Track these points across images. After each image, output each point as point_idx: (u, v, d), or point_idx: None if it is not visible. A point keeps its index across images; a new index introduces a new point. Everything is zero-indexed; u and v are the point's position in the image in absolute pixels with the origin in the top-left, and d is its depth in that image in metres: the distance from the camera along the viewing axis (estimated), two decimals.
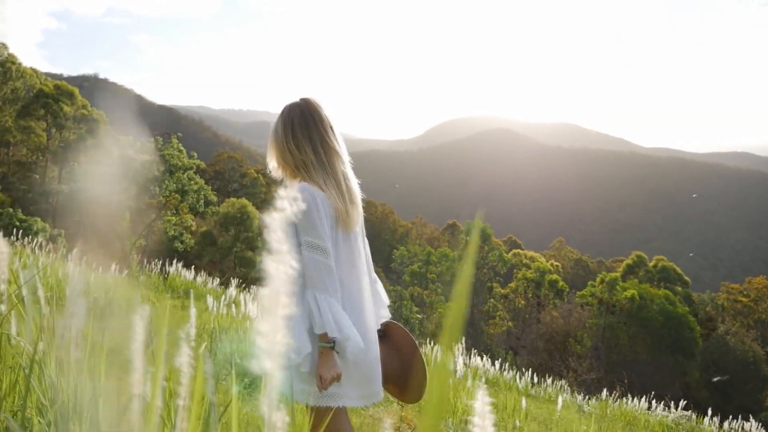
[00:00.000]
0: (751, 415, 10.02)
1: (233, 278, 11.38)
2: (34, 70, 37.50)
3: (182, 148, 21.75)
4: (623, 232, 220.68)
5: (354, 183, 1.90)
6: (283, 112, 1.87)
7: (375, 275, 2.03)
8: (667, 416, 8.98)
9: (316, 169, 1.79)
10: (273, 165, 1.91)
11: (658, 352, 23.25)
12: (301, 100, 1.87)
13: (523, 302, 30.92)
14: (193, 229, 23.90)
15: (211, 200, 22.79)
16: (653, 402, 9.23)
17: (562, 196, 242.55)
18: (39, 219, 26.32)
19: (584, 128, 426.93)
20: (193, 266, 13.18)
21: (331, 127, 1.86)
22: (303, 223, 1.69)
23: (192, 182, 21.92)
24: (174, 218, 22.13)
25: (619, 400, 9.83)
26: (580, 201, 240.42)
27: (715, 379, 21.55)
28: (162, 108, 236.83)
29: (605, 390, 9.69)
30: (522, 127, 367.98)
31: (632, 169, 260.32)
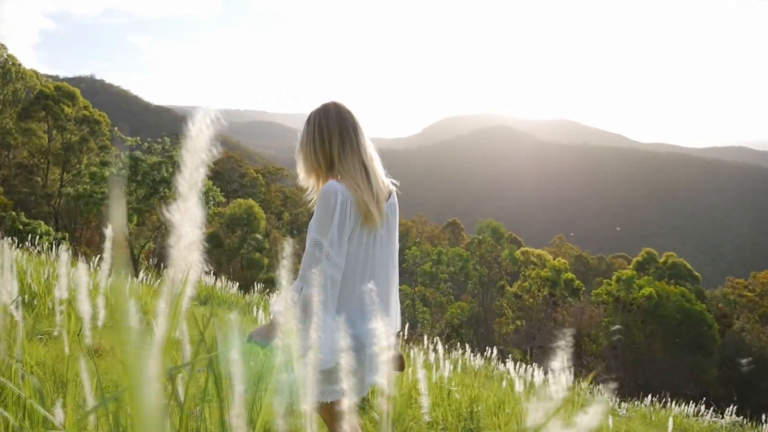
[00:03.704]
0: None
1: (257, 283, 10.98)
2: (35, 72, 36.99)
3: None
4: (622, 228, 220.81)
5: (384, 181, 1.88)
6: (307, 118, 1.86)
7: (396, 296, 2.00)
8: (716, 422, 8.63)
9: (342, 165, 1.78)
10: (301, 174, 1.90)
11: (676, 351, 22.92)
12: (324, 103, 1.86)
13: (531, 300, 30.59)
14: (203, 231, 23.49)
15: (219, 201, 22.40)
16: (700, 406, 8.85)
17: (561, 193, 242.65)
18: (42, 222, 25.87)
19: (583, 125, 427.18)
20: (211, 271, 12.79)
21: (355, 125, 1.84)
22: (315, 220, 1.70)
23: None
24: None
25: (661, 404, 9.46)
26: (579, 197, 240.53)
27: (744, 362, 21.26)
28: (159, 108, 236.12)
29: (650, 396, 9.30)
30: (521, 124, 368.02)
31: (631, 165, 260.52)
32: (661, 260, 32.03)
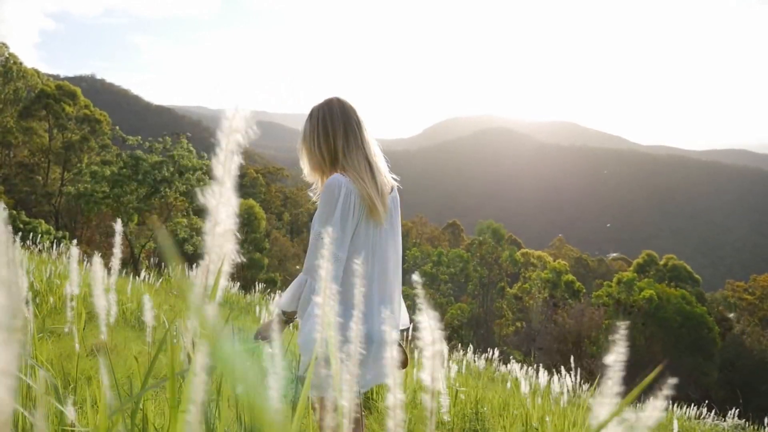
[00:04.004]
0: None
1: (257, 283, 10.98)
2: (36, 71, 36.98)
3: (192, 148, 21.37)
4: (622, 230, 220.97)
5: (387, 177, 1.89)
6: (310, 113, 1.86)
7: (400, 290, 1.96)
8: (718, 424, 8.61)
9: (346, 160, 1.78)
10: (306, 169, 1.90)
11: (677, 353, 22.90)
12: (327, 99, 1.86)
13: (531, 302, 30.58)
14: (203, 230, 23.48)
15: None
16: (702, 409, 8.83)
17: (561, 195, 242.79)
18: (43, 221, 25.84)
19: (583, 126, 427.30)
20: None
21: (358, 121, 1.84)
22: (319, 212, 1.71)
23: (201, 183, 21.61)
24: (184, 220, 21.68)
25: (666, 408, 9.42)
26: (579, 199, 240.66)
27: None
28: (160, 108, 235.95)
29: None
30: (521, 126, 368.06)
31: (631, 167, 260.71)
32: (662, 262, 32.03)
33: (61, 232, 25.93)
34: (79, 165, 24.09)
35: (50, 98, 34.05)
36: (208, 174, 22.47)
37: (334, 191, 1.69)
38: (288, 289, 1.76)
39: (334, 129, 1.79)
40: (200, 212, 22.87)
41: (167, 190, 19.90)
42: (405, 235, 52.98)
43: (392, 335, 0.76)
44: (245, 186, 53.78)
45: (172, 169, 20.16)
